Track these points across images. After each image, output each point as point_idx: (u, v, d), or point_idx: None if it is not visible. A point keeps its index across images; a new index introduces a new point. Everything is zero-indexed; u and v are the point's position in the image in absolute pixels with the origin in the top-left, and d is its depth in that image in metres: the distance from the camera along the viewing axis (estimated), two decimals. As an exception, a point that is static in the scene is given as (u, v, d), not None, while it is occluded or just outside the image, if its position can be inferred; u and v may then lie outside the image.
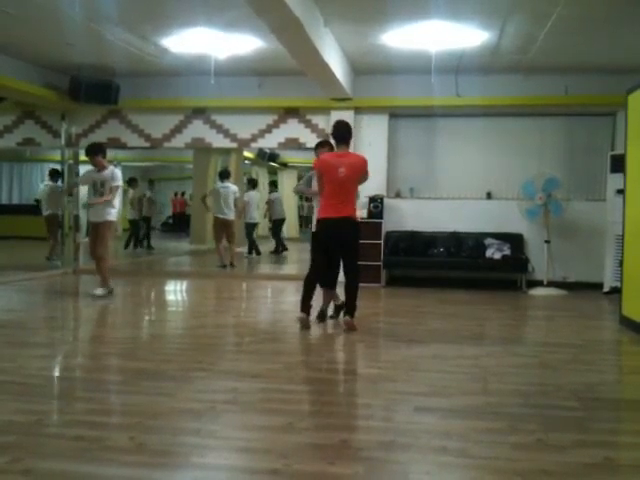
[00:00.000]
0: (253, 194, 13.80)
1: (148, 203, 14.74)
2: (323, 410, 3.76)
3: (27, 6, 6.73)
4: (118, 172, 7.83)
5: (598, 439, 3.26)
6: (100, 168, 7.69)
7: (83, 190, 9.54)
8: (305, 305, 5.90)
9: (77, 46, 8.19)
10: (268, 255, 14.22)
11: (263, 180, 20.12)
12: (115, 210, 7.79)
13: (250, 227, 13.60)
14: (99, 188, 7.67)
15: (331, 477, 2.80)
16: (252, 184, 14.09)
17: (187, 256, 14.87)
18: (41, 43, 8.30)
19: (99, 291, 7.67)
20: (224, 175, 11.49)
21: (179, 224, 22.34)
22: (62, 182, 10.93)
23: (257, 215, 13.93)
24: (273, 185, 15.68)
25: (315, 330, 6.03)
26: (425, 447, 3.13)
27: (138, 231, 14.79)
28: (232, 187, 11.30)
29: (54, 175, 11.78)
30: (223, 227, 11.12)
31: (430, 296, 8.42)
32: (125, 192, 15.05)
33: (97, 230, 7.72)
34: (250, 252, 13.49)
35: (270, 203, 14.90)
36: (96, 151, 7.73)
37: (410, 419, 3.55)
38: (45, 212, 11.74)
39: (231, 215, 11.17)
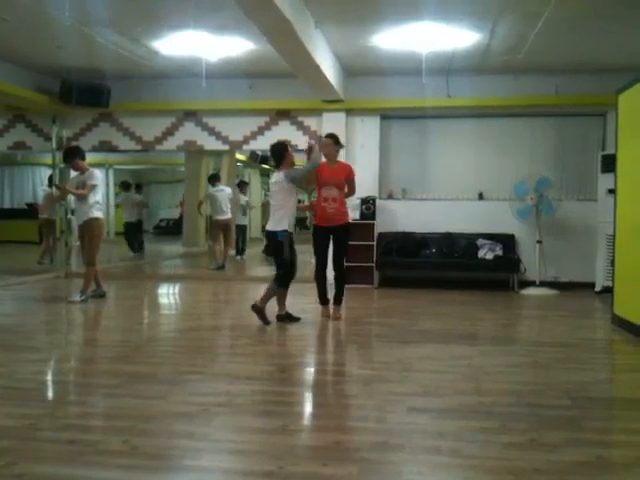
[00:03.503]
0: (243, 197, 13.80)
1: (138, 206, 14.70)
2: (316, 412, 3.76)
3: (17, 10, 6.71)
4: (97, 172, 7.76)
5: (590, 438, 3.27)
6: (82, 171, 7.65)
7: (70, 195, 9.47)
8: (324, 299, 6.57)
9: (68, 49, 8.17)
10: (266, 258, 14.12)
11: (255, 182, 20.06)
12: (97, 208, 7.56)
13: (242, 229, 13.59)
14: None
15: (325, 478, 2.80)
16: (241, 187, 14.06)
17: (180, 259, 14.80)
18: (32, 46, 8.27)
19: (75, 297, 7.54)
20: (215, 179, 11.57)
21: (172, 227, 22.20)
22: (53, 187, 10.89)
23: (246, 218, 13.91)
24: None
25: (308, 332, 6.04)
26: (418, 447, 3.14)
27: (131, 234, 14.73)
28: (227, 189, 11.53)
29: (51, 180, 11.71)
30: (224, 229, 11.24)
31: (423, 297, 8.43)
32: (117, 195, 15.02)
33: (84, 233, 7.67)
34: (241, 254, 13.48)
35: None
36: (74, 155, 7.64)
37: (403, 420, 3.55)
38: (40, 216, 11.72)
39: (230, 216, 11.34)
